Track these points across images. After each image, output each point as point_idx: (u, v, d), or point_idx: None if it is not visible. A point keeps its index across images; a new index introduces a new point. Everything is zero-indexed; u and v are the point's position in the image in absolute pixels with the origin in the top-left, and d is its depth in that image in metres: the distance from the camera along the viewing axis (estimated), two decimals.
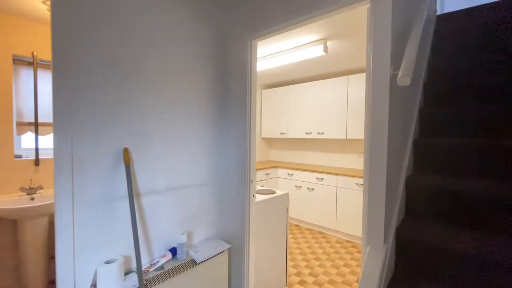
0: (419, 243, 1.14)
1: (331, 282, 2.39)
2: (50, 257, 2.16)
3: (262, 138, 4.86)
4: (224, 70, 1.93)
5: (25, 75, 2.17)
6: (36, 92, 2.19)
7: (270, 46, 2.80)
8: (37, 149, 2.19)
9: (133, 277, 1.31)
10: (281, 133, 4.43)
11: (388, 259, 1.11)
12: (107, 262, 1.26)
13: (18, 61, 2.11)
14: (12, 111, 2.05)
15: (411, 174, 1.50)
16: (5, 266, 2.02)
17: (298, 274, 2.52)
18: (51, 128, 2.30)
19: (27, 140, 2.23)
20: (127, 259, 1.38)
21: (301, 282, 2.38)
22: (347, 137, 3.59)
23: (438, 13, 2.80)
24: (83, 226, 1.23)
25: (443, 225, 1.24)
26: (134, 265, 1.41)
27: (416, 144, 1.56)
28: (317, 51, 2.68)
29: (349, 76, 3.54)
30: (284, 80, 4.43)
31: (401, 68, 0.93)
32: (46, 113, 2.27)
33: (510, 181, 1.24)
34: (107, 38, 1.31)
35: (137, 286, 1.26)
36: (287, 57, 2.98)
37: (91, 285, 1.22)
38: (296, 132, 4.21)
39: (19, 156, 2.15)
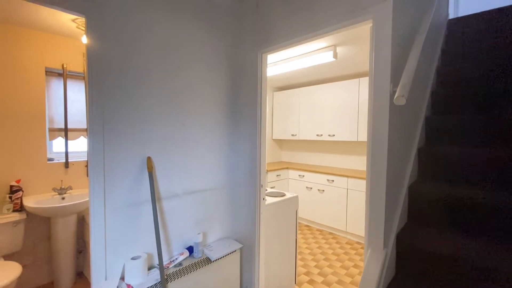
0: (419, 248, 1.20)
1: (339, 282, 2.46)
2: (78, 251, 2.38)
3: (274, 139, 4.94)
4: (236, 82, 2.04)
5: (56, 85, 2.38)
6: (66, 100, 2.40)
7: (280, 52, 2.88)
8: (66, 153, 2.40)
9: (155, 272, 1.47)
10: (292, 135, 4.49)
11: (388, 263, 1.19)
12: (133, 258, 1.41)
13: (49, 72, 2.33)
14: (45, 119, 2.27)
15: (415, 181, 1.55)
16: (39, 259, 2.24)
17: (307, 273, 2.61)
18: (78, 133, 2.51)
19: (57, 144, 2.45)
20: (149, 255, 1.53)
21: (310, 282, 2.46)
22: (358, 140, 3.61)
23: (451, 17, 2.77)
24: (113, 226, 1.38)
25: (444, 232, 1.29)
26: (155, 261, 1.56)
27: (420, 152, 1.60)
28: (327, 57, 2.74)
29: (360, 78, 3.55)
30: (295, 82, 4.48)
31: (398, 89, 1.00)
32: (74, 120, 2.48)
33: None
34: (135, 63, 1.48)
35: (159, 280, 1.41)
36: (297, 63, 3.05)
37: (120, 278, 1.38)
38: (307, 134, 4.25)
39: (51, 159, 2.37)
